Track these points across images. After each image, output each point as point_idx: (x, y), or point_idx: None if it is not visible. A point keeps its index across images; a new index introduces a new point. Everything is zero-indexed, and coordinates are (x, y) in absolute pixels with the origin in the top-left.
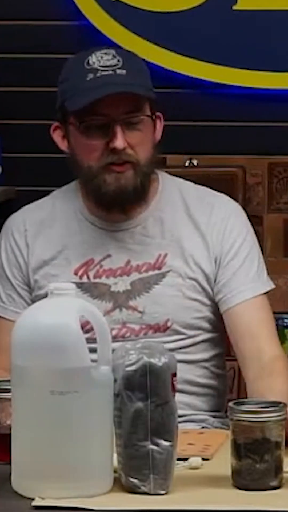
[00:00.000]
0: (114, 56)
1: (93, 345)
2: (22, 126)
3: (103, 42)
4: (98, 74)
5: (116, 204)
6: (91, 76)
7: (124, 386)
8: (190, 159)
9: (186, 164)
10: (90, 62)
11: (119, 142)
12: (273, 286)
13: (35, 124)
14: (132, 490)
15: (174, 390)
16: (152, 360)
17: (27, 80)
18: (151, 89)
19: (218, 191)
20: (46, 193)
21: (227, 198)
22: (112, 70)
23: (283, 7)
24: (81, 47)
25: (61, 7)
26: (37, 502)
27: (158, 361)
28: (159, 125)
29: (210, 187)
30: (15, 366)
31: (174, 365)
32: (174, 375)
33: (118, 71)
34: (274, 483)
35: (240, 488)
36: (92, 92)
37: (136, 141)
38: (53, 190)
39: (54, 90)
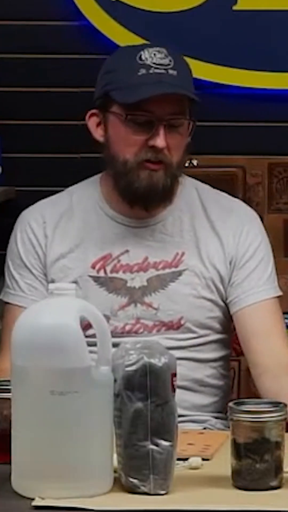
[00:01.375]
0: (166, 56)
1: (93, 347)
2: (22, 126)
3: (103, 42)
4: (150, 71)
5: (144, 200)
6: (143, 71)
7: (124, 386)
8: (190, 159)
9: (186, 164)
10: (143, 57)
11: (161, 142)
12: (281, 293)
13: (35, 124)
14: (132, 490)
15: (174, 390)
16: (152, 360)
17: (27, 80)
18: (194, 92)
19: (222, 192)
20: (46, 193)
21: (243, 203)
22: (164, 69)
23: (283, 7)
24: (81, 47)
25: (61, 7)
26: (37, 502)
27: (158, 361)
28: (192, 128)
29: (214, 188)
30: (15, 366)
31: (174, 365)
32: (174, 375)
33: (170, 71)
34: (274, 483)
35: (240, 488)
36: (145, 88)
37: (174, 143)
38: (53, 190)
39: (54, 90)
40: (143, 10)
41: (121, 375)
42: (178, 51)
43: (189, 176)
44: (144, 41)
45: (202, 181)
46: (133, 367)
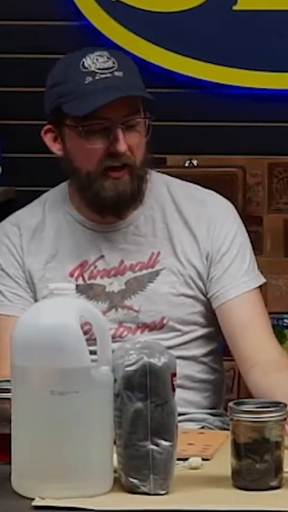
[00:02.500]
0: (108, 58)
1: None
2: (22, 126)
3: (103, 42)
4: (96, 77)
5: (114, 209)
6: (89, 79)
7: (124, 386)
8: (190, 159)
9: (186, 164)
10: (86, 64)
11: (121, 146)
12: (264, 280)
13: (35, 124)
14: (132, 490)
15: (174, 390)
16: (152, 360)
17: (27, 80)
18: (144, 88)
19: (218, 191)
20: None
21: (216, 194)
22: (110, 73)
23: (283, 7)
24: (81, 47)
25: (61, 7)
26: (37, 502)
27: (158, 361)
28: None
29: (210, 187)
30: (15, 366)
31: (174, 365)
32: (174, 375)
33: (116, 73)
34: (274, 483)
35: (240, 488)
36: (94, 96)
37: (134, 143)
38: None
39: None
40: (143, 10)
41: (121, 375)
42: (120, 52)
43: (189, 176)
44: (144, 41)
45: (202, 181)
46: (133, 367)
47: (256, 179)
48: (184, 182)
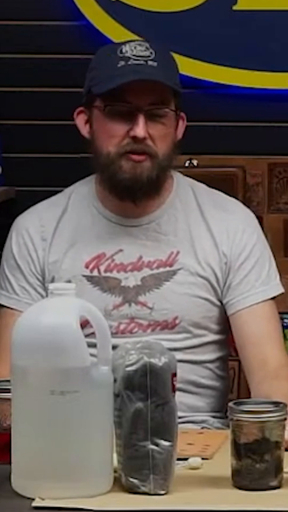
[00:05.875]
0: (147, 48)
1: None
2: (22, 126)
3: (103, 42)
4: (129, 62)
5: (129, 193)
6: (122, 63)
7: (124, 386)
8: (190, 159)
9: (186, 164)
10: (123, 50)
11: (140, 131)
12: (283, 291)
13: (35, 124)
14: (132, 490)
15: (174, 390)
16: (152, 360)
17: (27, 80)
18: (178, 85)
19: (218, 191)
20: (46, 193)
21: (239, 202)
22: (144, 61)
23: (283, 7)
24: (81, 47)
25: (61, 7)
26: (37, 502)
27: (158, 361)
28: (182, 125)
29: (210, 187)
30: (15, 366)
31: (174, 365)
32: (174, 375)
33: (150, 63)
34: (274, 483)
35: (240, 488)
36: (119, 77)
37: (158, 134)
38: (53, 190)
39: (54, 90)
40: (143, 10)
41: (121, 375)
42: (165, 47)
43: (189, 176)
44: None
45: (202, 181)
46: (133, 367)
47: (256, 179)
48: (209, 188)
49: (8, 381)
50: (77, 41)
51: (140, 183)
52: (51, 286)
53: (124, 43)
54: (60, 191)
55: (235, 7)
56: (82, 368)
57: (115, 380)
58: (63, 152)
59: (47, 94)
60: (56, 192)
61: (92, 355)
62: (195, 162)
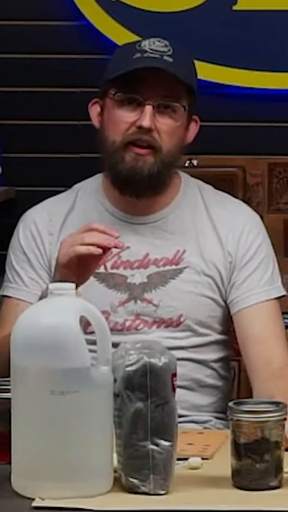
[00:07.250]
0: (166, 45)
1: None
2: (22, 126)
3: (103, 42)
4: (145, 55)
5: (129, 185)
6: (138, 55)
7: (124, 386)
8: (190, 159)
9: (186, 164)
10: (142, 44)
11: (146, 121)
12: (285, 293)
13: (35, 124)
14: (132, 490)
15: (174, 390)
16: (152, 360)
17: (27, 80)
18: (192, 83)
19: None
20: (46, 193)
21: (246, 205)
22: (159, 55)
23: (283, 7)
24: (81, 47)
25: (61, 7)
26: (37, 502)
27: (158, 361)
28: (194, 128)
29: (217, 189)
30: (15, 366)
31: (174, 365)
32: (174, 375)
33: (165, 58)
34: (274, 483)
35: (240, 488)
36: (131, 66)
37: (165, 127)
38: (53, 190)
39: (54, 90)
40: (143, 10)
41: (121, 375)
42: (188, 51)
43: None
44: None
45: (202, 181)
46: (133, 367)
47: (256, 179)
48: (216, 190)
49: (8, 381)
50: (77, 41)
51: (140, 176)
52: (51, 286)
53: (145, 38)
54: (60, 191)
55: (235, 7)
56: (82, 368)
57: (115, 380)
58: (63, 152)
59: (47, 94)
60: (56, 192)
61: (92, 351)
62: (195, 162)
